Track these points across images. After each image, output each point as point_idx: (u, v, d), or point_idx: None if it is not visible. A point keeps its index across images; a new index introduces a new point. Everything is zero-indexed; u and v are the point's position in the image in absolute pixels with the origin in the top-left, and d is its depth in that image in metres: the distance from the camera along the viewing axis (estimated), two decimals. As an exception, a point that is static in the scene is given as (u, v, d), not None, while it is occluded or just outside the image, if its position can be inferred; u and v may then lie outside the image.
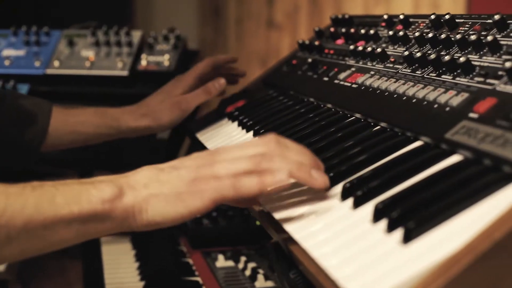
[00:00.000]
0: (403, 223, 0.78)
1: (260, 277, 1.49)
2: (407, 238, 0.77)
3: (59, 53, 2.21)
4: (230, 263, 1.65)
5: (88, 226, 0.98)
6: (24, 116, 1.70)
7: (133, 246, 1.83)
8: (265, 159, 1.00)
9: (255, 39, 5.41)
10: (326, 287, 0.80)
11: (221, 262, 1.66)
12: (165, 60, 2.13)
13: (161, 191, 1.00)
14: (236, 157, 1.02)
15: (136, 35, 2.23)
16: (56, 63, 2.18)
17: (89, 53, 2.19)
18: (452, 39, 1.17)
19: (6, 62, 2.21)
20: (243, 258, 1.64)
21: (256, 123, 1.46)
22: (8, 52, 2.24)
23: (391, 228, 0.80)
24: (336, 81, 1.42)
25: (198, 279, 1.58)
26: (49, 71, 2.17)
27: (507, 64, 0.94)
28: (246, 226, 1.75)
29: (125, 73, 2.13)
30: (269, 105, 1.59)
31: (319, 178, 0.99)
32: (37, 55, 2.21)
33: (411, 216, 0.78)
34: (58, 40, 2.25)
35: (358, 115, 1.22)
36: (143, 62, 2.15)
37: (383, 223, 0.82)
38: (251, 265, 1.57)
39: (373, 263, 0.76)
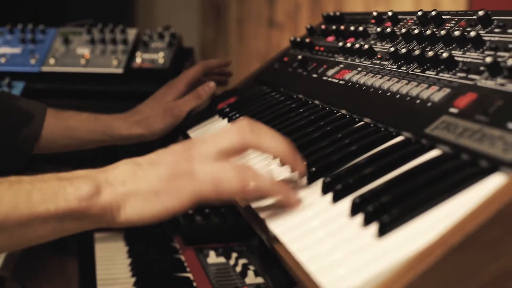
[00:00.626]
0: (378, 217, 0.78)
1: (251, 273, 1.49)
2: (382, 231, 0.77)
3: (54, 50, 2.22)
4: (222, 260, 1.65)
5: (65, 224, 0.97)
6: (18, 117, 1.71)
7: (126, 243, 1.83)
8: (246, 167, 1.00)
9: (256, 39, 5.41)
10: (304, 281, 0.80)
11: (213, 258, 1.66)
12: (160, 57, 2.14)
13: (138, 189, 0.98)
14: (212, 152, 1.00)
15: (131, 33, 2.23)
16: (52, 61, 2.18)
17: (85, 51, 2.20)
18: (437, 35, 1.17)
19: (2, 60, 2.21)
20: (234, 255, 1.65)
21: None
22: (4, 49, 2.25)
23: (367, 222, 0.81)
24: (324, 78, 1.42)
25: (189, 275, 1.59)
26: (45, 69, 2.18)
27: (488, 59, 0.95)
28: (239, 223, 1.75)
29: (120, 70, 2.13)
30: (259, 101, 1.59)
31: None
32: (32, 53, 2.22)
33: (387, 210, 0.79)
34: (53, 38, 2.26)
35: (343, 111, 1.23)
36: (138, 60, 2.15)
37: (360, 217, 0.82)
38: (242, 261, 1.57)
39: (348, 256, 0.77)
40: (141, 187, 0.98)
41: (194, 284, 1.54)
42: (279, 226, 0.93)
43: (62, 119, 1.75)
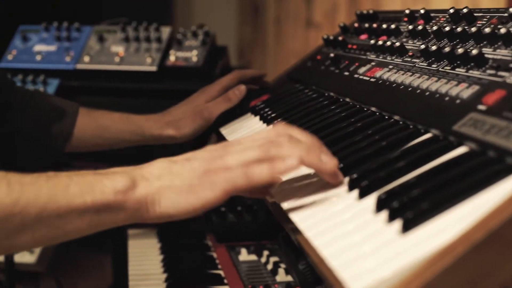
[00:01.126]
0: (403, 213, 0.78)
1: (281, 271, 1.49)
2: (406, 228, 0.77)
3: (89, 48, 2.24)
4: (253, 257, 1.66)
5: (101, 217, 0.99)
6: (50, 116, 1.73)
7: (159, 240, 1.85)
8: (273, 146, 1.01)
9: (293, 38, 5.41)
10: (328, 277, 0.80)
11: (244, 256, 1.67)
12: (193, 56, 2.14)
13: (173, 183, 1.00)
14: (246, 147, 1.02)
15: (165, 31, 2.24)
16: (86, 59, 2.20)
17: (119, 49, 2.21)
18: (468, 32, 1.16)
19: (38, 57, 2.24)
20: (265, 252, 1.65)
21: (276, 116, 1.47)
22: (40, 47, 2.27)
23: (391, 218, 0.81)
24: (355, 76, 1.42)
25: (221, 272, 1.59)
26: (79, 66, 2.20)
27: (515, 57, 0.94)
28: (270, 221, 1.75)
29: (153, 68, 2.14)
30: (291, 98, 1.60)
31: (328, 162, 1.00)
32: (67, 51, 2.24)
33: (411, 207, 0.78)
34: (88, 36, 2.28)
35: (374, 109, 1.22)
36: (172, 58, 2.16)
37: (385, 214, 0.82)
38: (273, 259, 1.57)
39: (370, 252, 0.76)
40: (176, 182, 1.00)
41: (225, 281, 1.55)
42: (303, 221, 0.93)
43: (94, 118, 1.77)
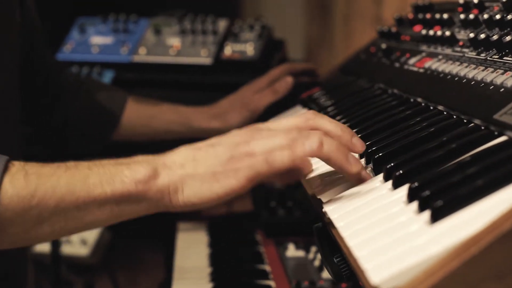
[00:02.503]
0: (432, 203, 0.74)
1: (328, 268, 1.46)
2: (434, 218, 0.73)
3: (145, 40, 2.23)
4: (301, 253, 1.63)
5: (122, 207, 0.97)
6: (99, 103, 1.73)
7: (208, 234, 1.83)
8: (299, 133, 0.97)
9: (362, 36, 5.35)
10: (355, 268, 0.77)
11: (292, 251, 1.64)
12: (249, 49, 2.12)
13: (196, 171, 0.97)
14: (272, 134, 0.99)
15: (222, 24, 2.23)
16: (143, 51, 2.20)
17: (175, 41, 2.20)
18: (519, 20, 1.11)
19: (94, 49, 2.24)
20: (313, 249, 1.62)
21: (323, 108, 1.44)
22: (97, 39, 2.28)
23: (421, 208, 0.77)
24: (405, 67, 1.38)
25: (267, 267, 1.57)
26: (136, 59, 2.20)
27: None
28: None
29: (209, 61, 2.13)
30: (341, 90, 1.56)
31: (354, 164, 0.96)
32: (124, 43, 2.24)
33: (441, 197, 0.74)
34: (145, 28, 2.27)
35: (419, 99, 1.18)
36: (227, 51, 2.14)
37: (415, 204, 0.78)
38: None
39: (396, 243, 0.73)
40: (200, 169, 0.97)
41: (270, 276, 1.53)
42: (336, 212, 0.90)
43: (143, 107, 1.76)
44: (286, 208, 1.82)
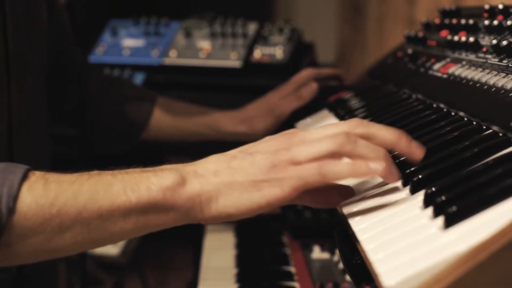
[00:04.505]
0: (446, 209, 0.75)
1: (352, 270, 1.48)
2: (448, 223, 0.74)
3: (176, 43, 2.26)
4: (326, 255, 1.65)
5: (149, 217, 0.92)
6: (128, 103, 1.77)
7: (236, 235, 1.86)
8: (349, 140, 0.91)
9: (395, 38, 5.34)
10: (371, 271, 0.79)
11: (317, 253, 1.66)
12: (278, 52, 2.14)
13: (234, 179, 0.92)
14: (315, 139, 0.93)
15: (252, 27, 2.25)
16: (173, 54, 2.23)
17: (205, 44, 2.23)
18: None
19: (125, 52, 2.27)
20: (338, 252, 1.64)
21: (350, 112, 1.46)
22: (128, 42, 2.31)
23: (436, 214, 0.78)
24: (430, 72, 1.39)
25: (292, 269, 1.59)
26: (166, 61, 2.22)
27: None
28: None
29: (238, 64, 2.15)
30: (367, 95, 1.58)
31: (395, 173, 0.91)
32: (154, 45, 2.27)
33: (455, 202, 0.76)
34: (176, 31, 2.30)
35: (442, 105, 1.19)
36: (257, 54, 2.16)
37: (431, 209, 0.80)
38: (346, 258, 1.56)
39: (410, 247, 0.75)
40: (237, 178, 0.92)
41: (295, 277, 1.54)
42: (353, 215, 0.92)
43: (171, 108, 1.79)
44: (312, 210, 1.84)
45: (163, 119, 1.78)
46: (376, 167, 0.89)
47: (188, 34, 2.27)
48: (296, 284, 1.52)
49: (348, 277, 1.51)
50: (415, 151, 0.93)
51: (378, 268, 0.73)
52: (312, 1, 5.74)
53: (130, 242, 2.50)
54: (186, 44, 2.25)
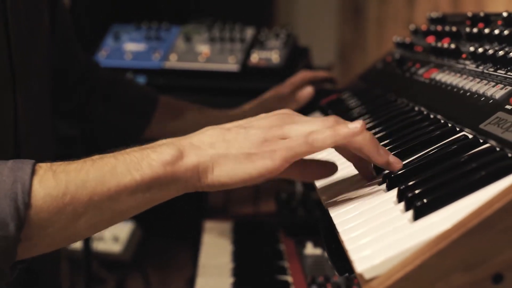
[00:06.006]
0: (415, 203, 0.84)
1: (343, 264, 1.56)
2: (416, 216, 0.83)
3: (176, 48, 2.34)
4: (318, 251, 1.72)
5: (153, 191, 0.98)
6: (132, 101, 1.84)
7: (233, 232, 1.93)
8: (337, 122, 1.01)
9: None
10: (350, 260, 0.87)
11: (310, 249, 1.74)
12: (274, 56, 2.22)
13: (228, 151, 0.99)
14: (306, 120, 1.02)
15: (249, 32, 2.32)
16: (173, 58, 2.30)
17: (205, 48, 2.31)
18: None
19: (127, 56, 2.35)
20: (331, 247, 1.71)
21: (340, 114, 1.54)
22: (130, 46, 2.39)
23: (407, 207, 0.87)
24: (414, 77, 1.47)
25: (286, 264, 1.67)
26: (167, 65, 2.30)
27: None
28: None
29: (236, 68, 2.23)
30: (354, 99, 1.66)
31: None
32: (155, 50, 2.35)
33: (423, 198, 0.84)
34: (176, 35, 2.38)
35: (423, 108, 1.27)
36: (254, 58, 2.24)
37: (403, 204, 0.88)
38: (337, 253, 1.63)
39: (382, 237, 0.83)
40: (232, 150, 0.99)
41: (289, 272, 1.62)
42: (335, 210, 1.00)
43: (173, 107, 1.87)
44: (306, 209, 1.92)
45: (165, 118, 1.85)
46: (355, 125, 0.98)
47: (188, 39, 2.35)
48: (289, 278, 1.60)
49: (338, 271, 1.59)
50: (392, 162, 1.02)
51: (353, 256, 0.82)
52: (312, 3, 5.80)
53: (132, 240, 2.57)
54: (186, 48, 2.33)
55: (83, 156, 1.01)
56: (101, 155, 1.01)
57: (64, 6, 1.65)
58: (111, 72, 1.87)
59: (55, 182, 0.95)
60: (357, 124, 0.98)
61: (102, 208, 0.97)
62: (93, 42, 2.51)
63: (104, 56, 2.40)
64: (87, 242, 2.27)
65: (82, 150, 1.97)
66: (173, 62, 2.31)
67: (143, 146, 1.02)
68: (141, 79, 2.27)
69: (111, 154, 1.01)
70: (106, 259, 2.63)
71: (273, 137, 1.00)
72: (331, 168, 1.09)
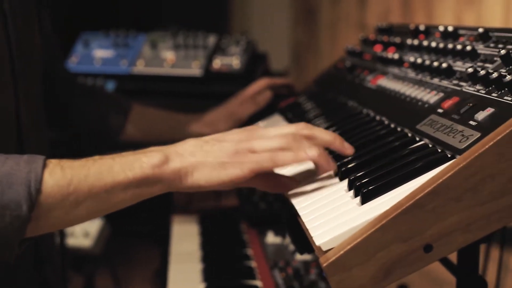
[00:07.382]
0: (362, 190, 1.03)
1: (300, 251, 1.74)
2: (363, 201, 1.02)
3: (143, 54, 2.50)
4: (278, 240, 1.90)
5: (142, 188, 1.16)
6: (107, 109, 2.02)
7: (200, 225, 2.10)
8: (294, 139, 1.18)
9: (347, 42, 5.52)
10: (309, 238, 1.05)
11: (271, 238, 1.91)
12: (235, 62, 2.39)
13: (206, 159, 1.16)
14: (270, 136, 1.20)
15: (211, 39, 2.50)
16: (141, 63, 2.46)
17: (170, 54, 2.47)
18: (447, 48, 1.39)
19: (97, 62, 2.51)
20: (289, 236, 1.89)
21: (296, 116, 1.72)
22: (99, 52, 2.55)
23: (355, 194, 1.06)
24: (363, 83, 1.66)
25: (250, 251, 1.84)
26: (135, 70, 2.46)
27: (469, 70, 1.18)
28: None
29: (199, 73, 2.40)
30: (311, 101, 1.84)
31: (331, 164, 1.20)
32: (124, 56, 2.51)
33: (368, 186, 1.03)
34: (143, 42, 2.54)
35: (370, 111, 1.46)
36: (216, 64, 2.42)
37: (352, 191, 1.07)
38: (295, 241, 1.81)
39: (335, 218, 1.02)
40: (209, 158, 1.17)
41: (252, 258, 1.79)
42: (295, 197, 1.19)
43: (144, 113, 2.06)
44: (267, 202, 2.09)
45: (137, 123, 2.04)
46: (312, 153, 1.17)
47: (154, 46, 2.52)
48: (253, 263, 1.77)
49: (297, 257, 1.77)
50: (347, 149, 1.23)
51: (313, 233, 1.00)
52: (265, 9, 5.97)
53: (102, 235, 2.71)
54: (152, 55, 2.50)
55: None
56: (101, 156, 1.20)
57: (49, 28, 1.81)
58: (89, 83, 2.05)
59: (62, 174, 1.14)
60: (315, 153, 1.18)
61: (99, 199, 1.16)
62: (63, 49, 2.65)
63: (74, 63, 2.55)
64: (62, 237, 2.41)
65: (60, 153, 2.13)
66: (140, 68, 2.47)
67: (136, 151, 1.21)
68: (111, 84, 2.42)
69: (109, 156, 1.20)
70: (76, 253, 2.75)
71: (243, 150, 1.18)
72: (291, 184, 1.26)
